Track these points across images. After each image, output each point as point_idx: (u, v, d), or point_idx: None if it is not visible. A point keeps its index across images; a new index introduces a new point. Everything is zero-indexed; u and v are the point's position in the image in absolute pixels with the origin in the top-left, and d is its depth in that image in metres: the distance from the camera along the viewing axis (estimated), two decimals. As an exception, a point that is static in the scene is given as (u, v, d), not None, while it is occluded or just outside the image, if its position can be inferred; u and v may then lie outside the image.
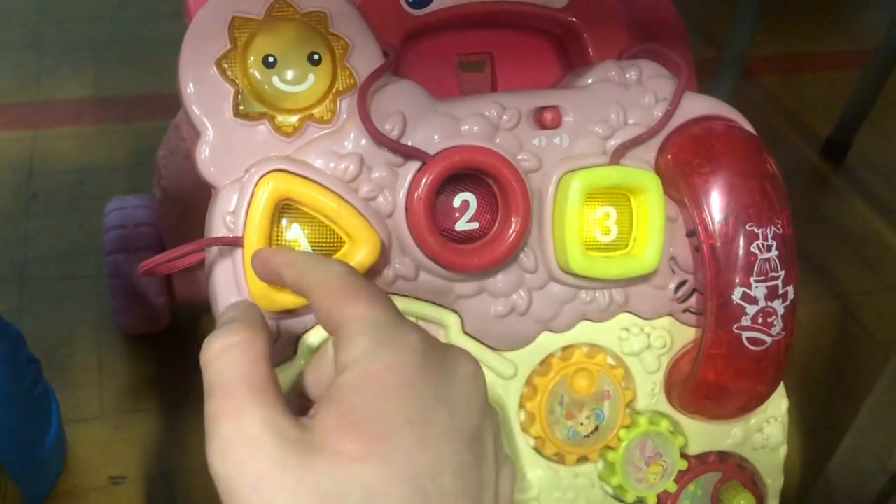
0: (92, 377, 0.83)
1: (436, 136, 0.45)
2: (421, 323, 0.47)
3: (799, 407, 0.86)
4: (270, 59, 0.43)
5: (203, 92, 0.43)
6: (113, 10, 1.44)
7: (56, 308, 0.90)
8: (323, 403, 0.30)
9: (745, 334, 0.47)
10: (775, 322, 0.48)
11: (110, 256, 0.81)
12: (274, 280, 0.40)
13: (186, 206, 0.68)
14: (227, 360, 0.32)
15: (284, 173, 0.43)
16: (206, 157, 0.43)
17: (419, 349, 0.31)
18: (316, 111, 0.44)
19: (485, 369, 0.49)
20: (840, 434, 0.69)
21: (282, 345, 0.45)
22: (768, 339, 0.48)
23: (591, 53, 0.51)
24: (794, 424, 0.56)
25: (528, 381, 0.50)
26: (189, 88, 0.43)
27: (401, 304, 0.46)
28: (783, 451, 0.56)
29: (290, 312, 0.44)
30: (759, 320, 0.47)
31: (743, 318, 0.47)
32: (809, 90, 1.47)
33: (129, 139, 1.15)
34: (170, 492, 0.74)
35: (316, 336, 0.45)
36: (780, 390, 0.54)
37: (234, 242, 0.43)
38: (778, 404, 0.55)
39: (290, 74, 0.44)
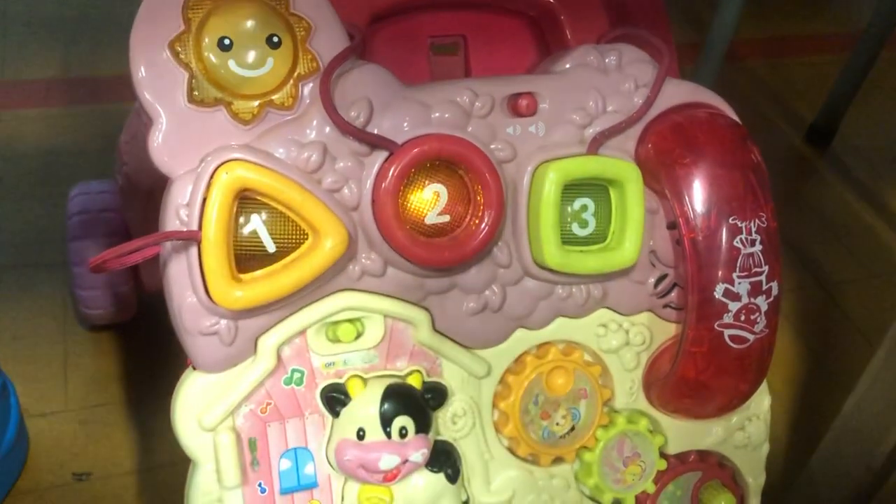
0: (56, 369, 0.80)
1: (404, 124, 0.42)
2: (389, 321, 0.45)
3: (781, 400, 0.85)
4: (226, 41, 0.41)
5: (155, 76, 0.40)
6: (82, -13, 1.40)
7: (19, 297, 0.87)
8: None
9: (727, 332, 0.46)
10: (758, 319, 0.46)
11: (73, 243, 0.78)
12: None
13: (150, 193, 0.65)
14: None
15: (243, 162, 0.41)
16: (160, 146, 0.41)
17: None
18: (276, 97, 0.42)
19: (457, 368, 0.47)
20: (823, 428, 0.68)
21: (240, 344, 0.42)
22: (751, 337, 0.46)
23: (569, 37, 0.49)
24: (775, 417, 0.54)
25: (502, 380, 0.49)
26: (140, 73, 0.41)
27: (368, 301, 0.44)
28: (765, 449, 0.55)
29: (249, 311, 0.41)
30: (742, 317, 0.46)
31: (725, 314, 0.45)
32: (794, 74, 1.45)
33: (98, 121, 1.12)
34: (137, 489, 0.72)
35: (274, 336, 0.43)
36: (763, 387, 0.52)
37: (190, 237, 0.40)
38: (760, 402, 0.53)
39: (247, 58, 0.41)
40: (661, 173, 0.46)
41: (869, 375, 0.64)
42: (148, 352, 0.82)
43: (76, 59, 1.24)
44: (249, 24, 0.41)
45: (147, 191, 0.65)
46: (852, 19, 1.62)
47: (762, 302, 0.46)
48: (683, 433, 0.52)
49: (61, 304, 0.87)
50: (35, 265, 0.91)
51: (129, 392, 0.80)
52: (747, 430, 0.53)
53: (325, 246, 0.41)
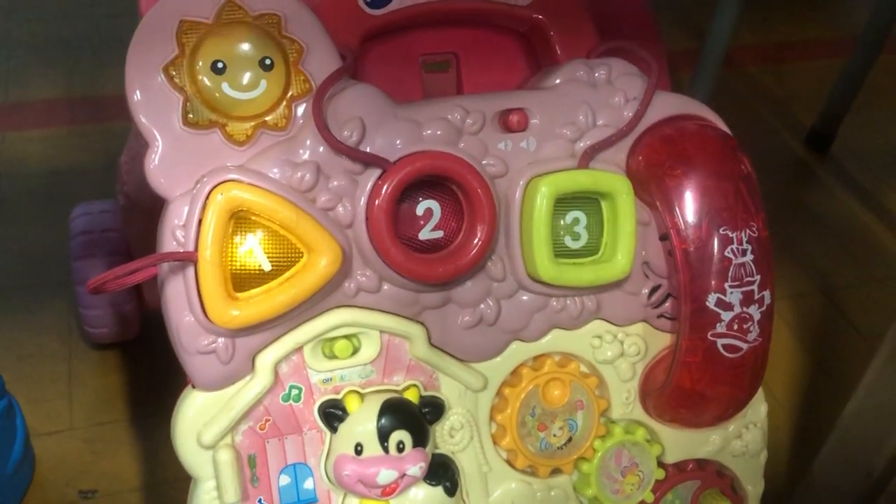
0: (61, 388, 0.81)
1: (396, 142, 0.43)
2: (385, 336, 0.46)
3: (783, 406, 0.85)
4: (220, 64, 0.41)
5: (150, 100, 0.41)
6: (84, 7, 1.40)
7: (24, 316, 0.87)
8: None
9: (720, 341, 0.46)
10: (751, 328, 0.46)
11: (76, 263, 0.79)
12: None
13: (150, 213, 0.66)
14: None
15: (237, 183, 0.41)
16: (156, 168, 0.42)
17: None
18: (269, 118, 0.42)
19: (454, 382, 0.47)
20: (826, 434, 0.68)
21: (238, 362, 0.43)
22: (744, 346, 0.46)
23: (559, 52, 0.50)
24: (778, 424, 0.54)
25: (499, 393, 0.49)
26: (136, 96, 0.41)
27: (364, 317, 0.45)
28: (763, 456, 0.55)
29: (246, 330, 0.42)
30: (735, 327, 0.46)
31: (718, 324, 0.46)
32: (793, 79, 1.46)
33: (101, 141, 1.13)
34: (143, 505, 0.73)
35: (271, 354, 0.43)
36: (759, 395, 0.52)
37: (186, 258, 0.41)
38: (757, 409, 0.54)
39: (241, 80, 0.42)
40: (651, 185, 0.46)
41: (868, 381, 0.64)
42: (152, 370, 0.83)
43: (78, 80, 1.25)
44: (242, 47, 0.41)
45: (147, 210, 0.66)
46: (850, 24, 1.62)
47: (755, 311, 0.46)
48: (681, 442, 0.52)
49: (66, 323, 0.87)
50: (39, 285, 0.92)
51: (134, 410, 0.80)
52: (745, 439, 0.53)
53: (320, 264, 0.42)
